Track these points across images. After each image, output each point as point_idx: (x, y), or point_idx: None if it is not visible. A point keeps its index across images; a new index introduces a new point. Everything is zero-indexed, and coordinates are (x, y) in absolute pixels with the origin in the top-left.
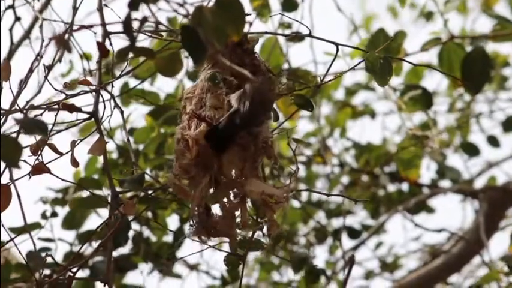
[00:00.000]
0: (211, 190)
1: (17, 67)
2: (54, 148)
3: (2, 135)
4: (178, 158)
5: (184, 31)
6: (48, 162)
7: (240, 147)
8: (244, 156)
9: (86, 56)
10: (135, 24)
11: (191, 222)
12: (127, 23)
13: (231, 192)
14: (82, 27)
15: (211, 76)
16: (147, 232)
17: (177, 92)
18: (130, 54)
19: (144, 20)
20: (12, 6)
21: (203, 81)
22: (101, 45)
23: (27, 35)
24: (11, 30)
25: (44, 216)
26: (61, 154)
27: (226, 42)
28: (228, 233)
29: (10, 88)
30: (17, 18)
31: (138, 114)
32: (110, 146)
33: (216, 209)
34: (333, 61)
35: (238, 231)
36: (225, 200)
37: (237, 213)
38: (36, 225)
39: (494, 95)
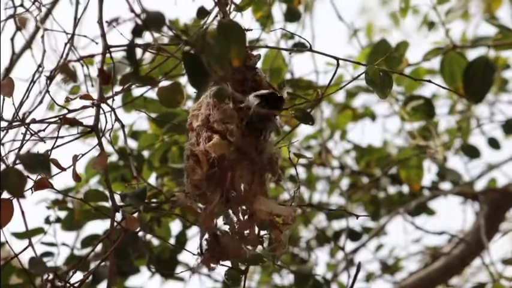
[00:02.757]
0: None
1: (18, 77)
2: (56, 163)
3: (5, 169)
4: (189, 174)
5: (187, 58)
6: (52, 177)
7: (249, 161)
8: (252, 170)
9: (86, 64)
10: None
11: (199, 251)
12: (130, 50)
13: (239, 209)
14: (85, 43)
15: (216, 93)
16: (148, 236)
17: None
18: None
19: (146, 47)
20: (13, 16)
21: (207, 98)
22: (102, 72)
23: (28, 45)
24: (12, 39)
25: (47, 221)
26: (64, 169)
27: (228, 67)
28: (237, 254)
29: (12, 102)
30: (19, 28)
31: (141, 118)
32: (110, 149)
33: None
34: (333, 75)
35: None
36: (235, 219)
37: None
38: (39, 231)
39: (495, 98)
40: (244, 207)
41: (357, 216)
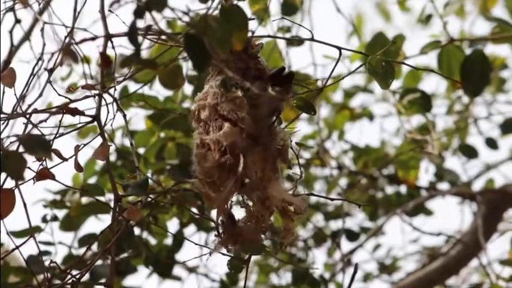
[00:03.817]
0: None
1: (16, 69)
2: (58, 153)
3: (5, 151)
4: (200, 162)
5: (188, 39)
6: (52, 167)
7: (262, 147)
8: (265, 156)
9: (86, 60)
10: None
11: (216, 233)
12: (132, 32)
13: (254, 194)
14: (84, 36)
15: (222, 82)
16: (145, 234)
17: (176, 95)
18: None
19: (148, 29)
20: (12, 9)
21: (214, 87)
22: (103, 56)
23: (27, 37)
24: (11, 32)
25: (44, 219)
26: (65, 159)
27: (230, 50)
28: (254, 238)
29: (14, 93)
30: (17, 21)
31: (138, 117)
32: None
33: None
34: (335, 65)
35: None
36: (250, 203)
37: None
38: (37, 229)
39: (492, 97)
40: (258, 192)
41: (359, 205)
